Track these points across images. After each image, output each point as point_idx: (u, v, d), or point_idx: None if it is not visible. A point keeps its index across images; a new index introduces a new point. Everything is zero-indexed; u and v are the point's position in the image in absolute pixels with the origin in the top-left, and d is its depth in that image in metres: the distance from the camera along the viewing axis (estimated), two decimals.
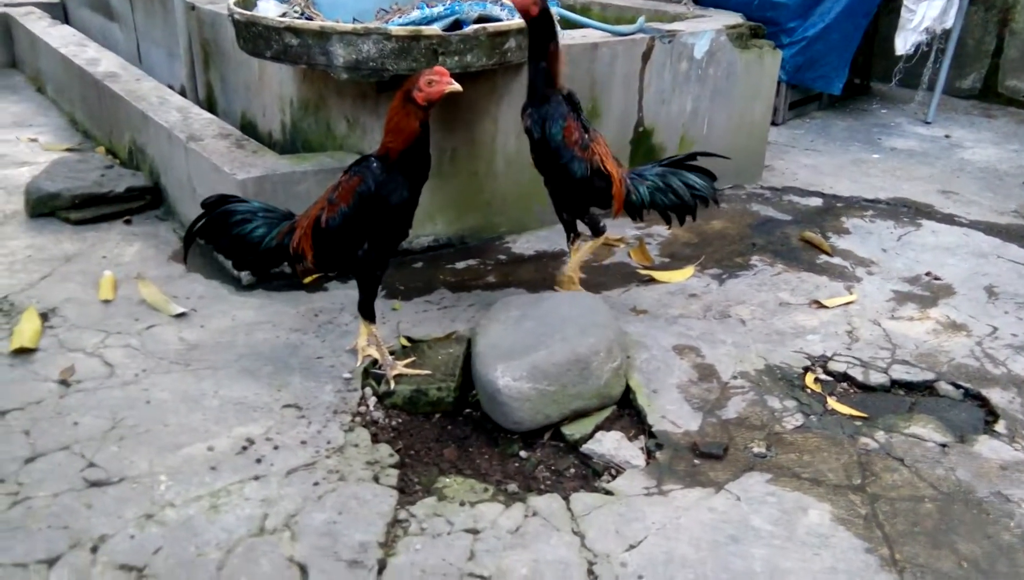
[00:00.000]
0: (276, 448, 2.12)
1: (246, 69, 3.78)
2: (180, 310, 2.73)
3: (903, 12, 5.21)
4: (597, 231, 2.87)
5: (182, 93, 4.28)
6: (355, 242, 2.29)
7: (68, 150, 4.24)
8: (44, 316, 2.68)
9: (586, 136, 2.63)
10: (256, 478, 2.00)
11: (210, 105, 4.27)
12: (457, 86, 2.12)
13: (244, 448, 2.11)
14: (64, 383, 2.34)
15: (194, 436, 2.14)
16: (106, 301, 2.80)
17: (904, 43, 5.29)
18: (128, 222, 3.43)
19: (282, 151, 3.46)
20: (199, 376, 2.40)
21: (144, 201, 3.54)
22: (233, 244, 2.37)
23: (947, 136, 5.31)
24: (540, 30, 2.54)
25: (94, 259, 3.10)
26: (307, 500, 1.94)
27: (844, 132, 5.31)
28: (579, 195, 2.71)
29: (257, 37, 2.73)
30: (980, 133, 5.37)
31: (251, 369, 2.45)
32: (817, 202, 4.10)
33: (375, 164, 2.23)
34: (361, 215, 2.24)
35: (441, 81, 2.11)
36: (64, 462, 2.03)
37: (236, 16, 2.78)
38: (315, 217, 2.27)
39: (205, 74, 4.29)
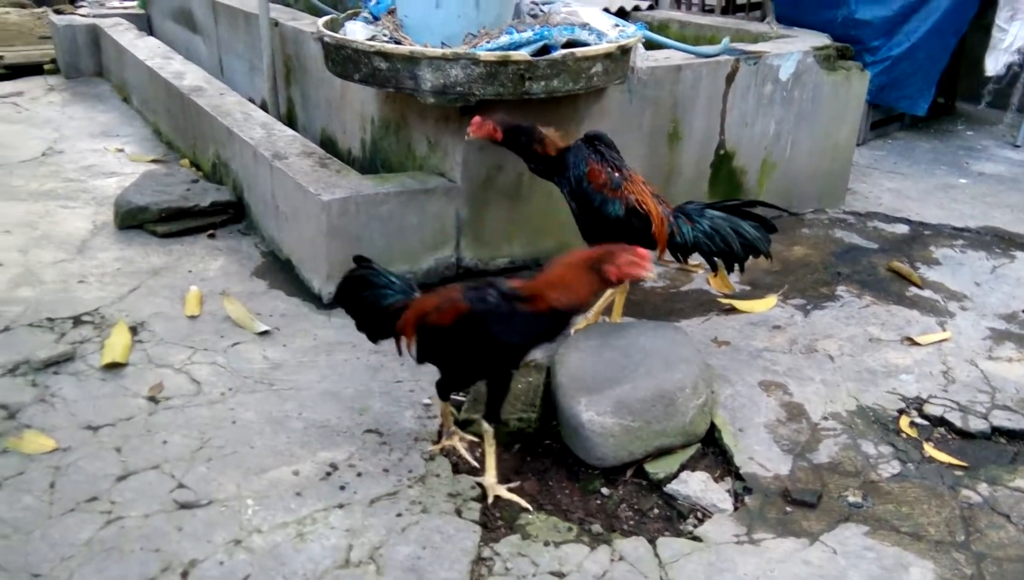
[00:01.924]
0: (359, 475, 2.12)
1: (328, 86, 3.82)
2: (264, 328, 2.76)
3: (994, 32, 5.01)
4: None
5: (263, 107, 4.36)
6: (453, 356, 2.11)
7: (153, 161, 4.36)
8: (133, 330, 2.74)
9: (616, 175, 2.49)
10: (340, 506, 2.00)
11: (290, 120, 4.34)
12: (653, 274, 1.94)
13: (328, 474, 2.12)
14: (153, 400, 2.39)
15: (279, 459, 2.16)
16: (192, 316, 2.85)
17: (995, 64, 5.09)
18: (212, 236, 3.50)
19: (361, 169, 3.49)
20: (283, 397, 2.42)
21: (227, 215, 3.60)
22: (362, 308, 2.24)
23: None
24: (515, 145, 2.53)
25: (180, 273, 3.16)
26: (391, 532, 1.93)
27: (928, 154, 5.13)
28: (618, 237, 2.46)
29: (346, 60, 2.75)
30: None
31: (333, 391, 2.46)
32: (903, 229, 3.96)
33: (496, 297, 1.96)
34: (459, 337, 2.02)
35: (642, 266, 1.87)
36: (155, 481, 2.06)
37: (326, 39, 2.81)
38: (423, 311, 2.08)
39: (286, 89, 4.36)
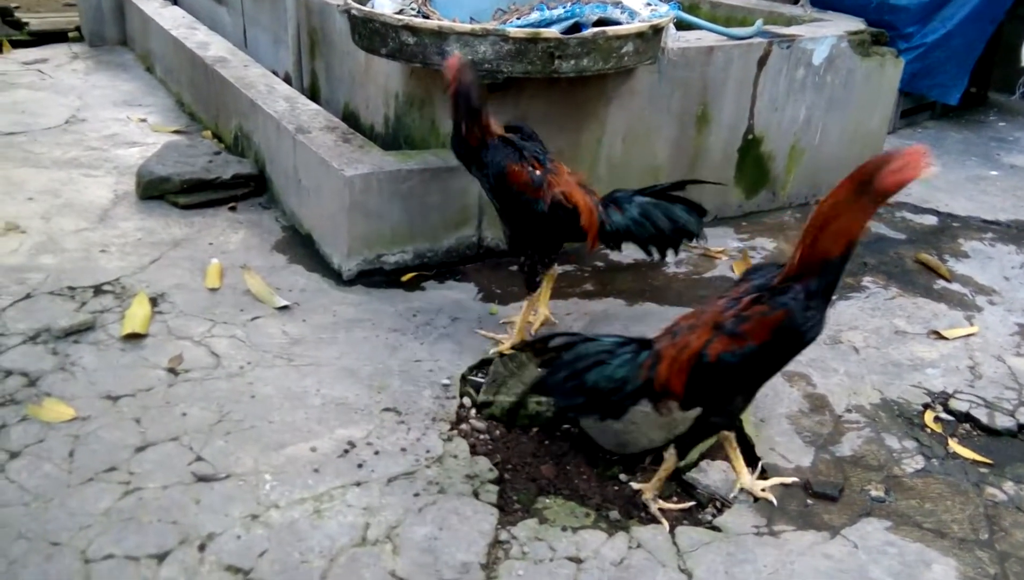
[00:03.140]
0: (377, 453, 2.11)
1: (352, 60, 3.78)
2: (284, 303, 2.75)
3: None
4: (532, 285, 2.55)
5: (286, 80, 4.33)
6: (745, 381, 1.88)
7: (175, 132, 4.34)
8: (153, 301, 2.74)
9: (538, 173, 2.36)
10: (358, 484, 2.00)
11: (313, 93, 4.30)
12: (934, 169, 1.59)
13: (346, 451, 2.11)
14: (173, 372, 2.39)
15: (297, 435, 2.15)
16: (213, 289, 2.84)
17: None
18: (233, 209, 3.49)
19: (384, 144, 3.46)
20: (302, 372, 2.42)
21: (249, 188, 3.59)
22: (591, 396, 1.86)
23: None
24: (453, 108, 2.39)
25: (201, 245, 3.16)
26: (408, 512, 1.92)
27: (959, 145, 5.03)
28: (544, 230, 2.43)
29: (373, 34, 2.72)
30: None
31: (352, 368, 2.45)
32: (932, 220, 3.89)
33: (800, 292, 1.72)
34: (769, 353, 1.79)
35: (919, 163, 1.57)
36: (173, 453, 2.06)
37: (354, 11, 2.77)
38: (697, 350, 1.81)
39: (310, 62, 4.33)
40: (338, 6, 3.51)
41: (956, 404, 2.46)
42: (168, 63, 5.13)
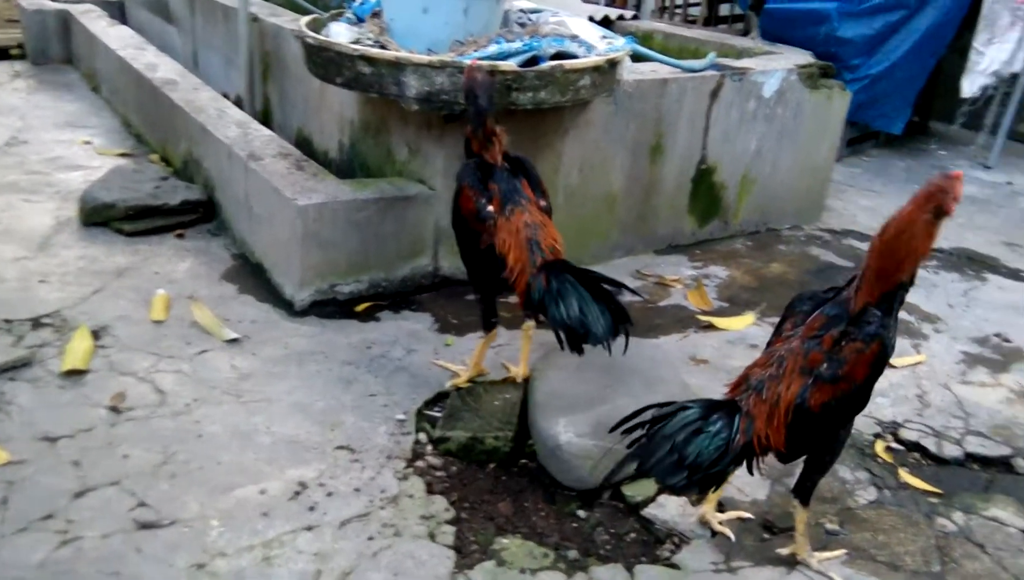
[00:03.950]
0: (329, 495, 2.05)
1: (306, 85, 3.74)
2: (233, 335, 2.68)
3: (972, 55, 5.07)
4: (487, 324, 2.48)
5: (238, 103, 4.26)
6: (848, 418, 1.84)
7: (122, 155, 4.23)
8: (95, 334, 2.64)
9: (489, 209, 2.26)
10: (309, 528, 1.94)
11: (266, 117, 4.24)
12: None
13: (297, 493, 2.05)
14: (115, 410, 2.30)
15: (246, 477, 2.09)
16: (158, 321, 2.76)
17: (971, 86, 5.15)
18: (181, 236, 3.40)
19: (338, 172, 3.41)
20: (251, 410, 2.35)
21: (197, 215, 3.50)
22: (693, 470, 1.72)
23: (1009, 183, 5.15)
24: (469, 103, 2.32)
25: (146, 274, 3.06)
26: (362, 557, 1.87)
27: (903, 173, 5.17)
28: (483, 268, 2.35)
29: (329, 63, 2.68)
30: None
31: (304, 404, 2.39)
32: None
33: (881, 317, 1.73)
34: (868, 386, 1.77)
35: (961, 185, 1.66)
36: (114, 499, 1.98)
37: (308, 40, 2.73)
38: (792, 402, 1.74)
39: (263, 86, 4.27)
40: (293, 31, 3.47)
41: (905, 434, 2.50)
42: (114, 83, 5.00)
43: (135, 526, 1.90)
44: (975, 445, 2.47)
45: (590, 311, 2.17)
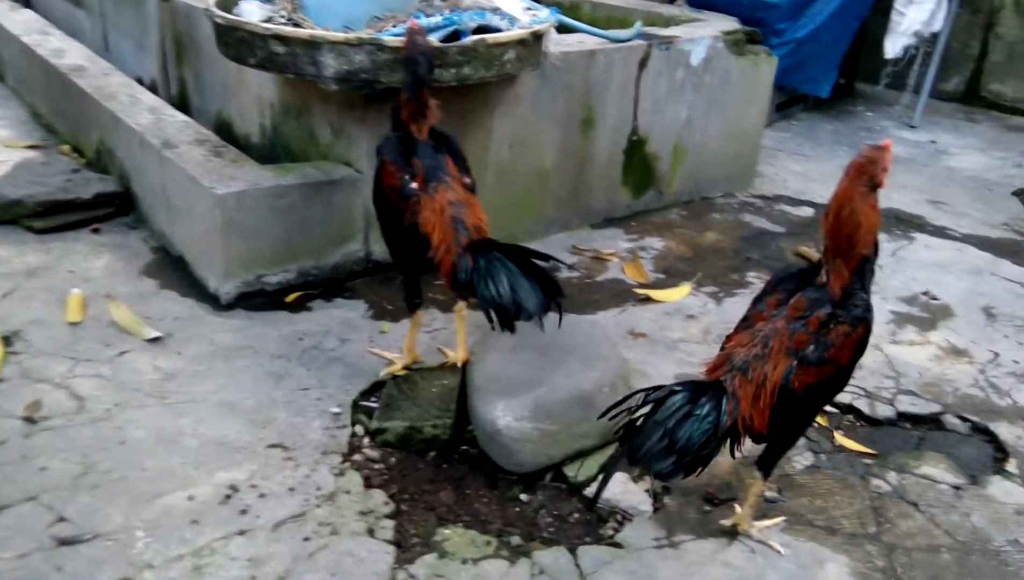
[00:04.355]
0: (262, 496, 1.98)
1: (222, 67, 3.58)
2: (155, 334, 2.56)
3: (893, 16, 5.15)
4: (411, 305, 2.41)
5: (152, 88, 4.07)
6: (831, 397, 1.87)
7: (30, 148, 4.00)
8: (7, 340, 2.50)
9: (412, 185, 2.18)
10: (241, 533, 1.87)
11: (182, 102, 4.06)
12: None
13: (227, 497, 1.97)
14: (30, 420, 2.18)
15: (173, 483, 2.00)
16: (74, 323, 2.62)
17: (893, 47, 5.23)
18: (96, 231, 3.24)
19: (260, 156, 3.29)
20: (177, 411, 2.25)
21: (113, 207, 3.34)
22: (681, 454, 1.67)
23: (933, 141, 5.27)
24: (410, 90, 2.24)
25: (60, 274, 2.91)
26: (298, 559, 1.81)
27: (831, 136, 5.25)
28: (407, 246, 2.26)
29: (240, 43, 2.56)
30: (965, 139, 5.35)
31: (232, 403, 2.31)
32: (809, 212, 4.03)
33: (864, 298, 1.76)
34: (851, 369, 1.80)
35: (890, 154, 1.73)
36: (31, 515, 1.87)
37: (218, 20, 2.60)
38: (778, 383, 1.73)
39: (178, 69, 4.08)
40: (205, 10, 3.31)
41: (839, 396, 2.53)
42: (20, 72, 4.73)
43: (54, 543, 1.80)
44: (906, 404, 2.52)
45: (520, 286, 2.10)
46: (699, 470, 1.71)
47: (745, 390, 1.73)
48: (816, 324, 1.75)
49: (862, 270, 1.78)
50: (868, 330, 1.77)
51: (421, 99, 2.23)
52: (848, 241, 1.74)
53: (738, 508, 2.01)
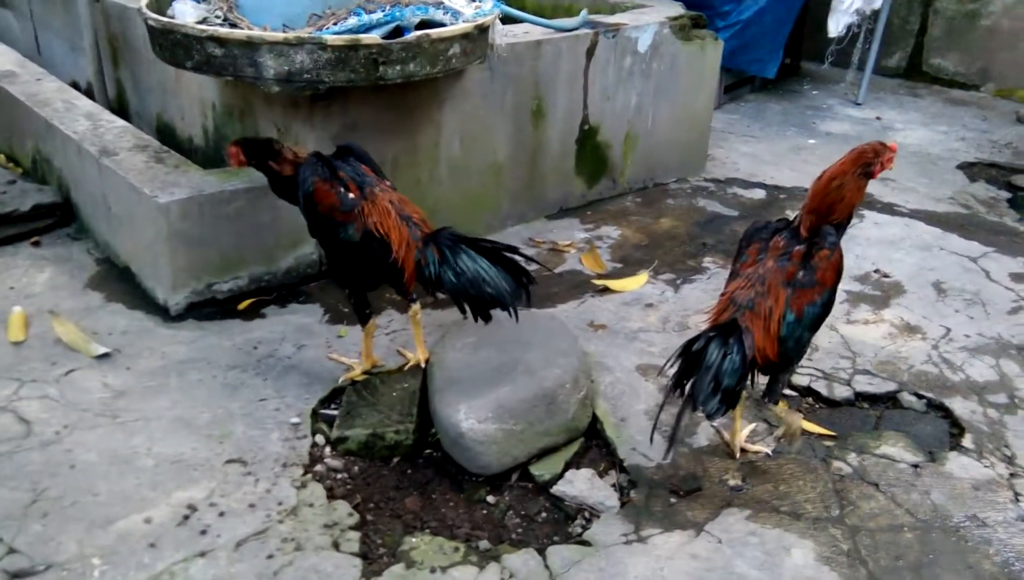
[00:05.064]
0: (222, 514, 1.93)
1: (160, 68, 3.46)
2: (103, 350, 2.48)
3: None
4: (363, 318, 2.37)
5: (88, 92, 3.93)
6: (819, 324, 2.03)
7: None
8: None
9: (350, 196, 2.16)
10: (202, 554, 1.82)
11: (121, 105, 3.93)
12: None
13: (186, 517, 1.92)
14: None
15: (128, 506, 1.94)
16: (17, 342, 2.52)
17: (836, 25, 5.30)
18: (36, 244, 3.12)
19: (205, 159, 3.20)
20: (129, 430, 2.18)
21: (54, 218, 3.22)
22: (724, 394, 1.83)
23: (878, 117, 5.36)
24: (258, 164, 2.29)
25: (1, 291, 2.80)
26: (261, 578, 1.77)
27: (779, 116, 5.30)
28: (358, 263, 2.22)
29: (175, 46, 2.47)
30: (908, 114, 5.44)
31: (187, 418, 2.24)
32: (760, 194, 4.06)
33: (834, 233, 2.01)
34: (834, 291, 2.02)
35: (893, 156, 2.03)
36: None
37: (151, 22, 2.51)
38: (782, 312, 1.93)
39: (114, 71, 3.95)
40: (138, 11, 3.20)
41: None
42: None
43: (6, 577, 1.73)
44: (863, 384, 2.56)
45: (489, 273, 2.11)
46: (732, 407, 1.89)
47: (756, 324, 1.92)
48: (799, 255, 1.98)
49: (837, 230, 2.04)
50: (842, 255, 2.00)
51: (285, 157, 2.27)
52: (828, 208, 2.01)
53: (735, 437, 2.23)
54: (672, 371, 1.87)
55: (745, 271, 2.03)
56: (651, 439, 2.10)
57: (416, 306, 2.43)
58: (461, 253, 2.14)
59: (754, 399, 2.38)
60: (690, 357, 1.85)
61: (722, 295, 2.06)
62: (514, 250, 2.19)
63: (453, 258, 2.13)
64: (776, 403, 2.14)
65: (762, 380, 2.10)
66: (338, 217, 2.17)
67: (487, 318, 2.18)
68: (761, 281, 1.97)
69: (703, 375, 1.81)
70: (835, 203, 2.00)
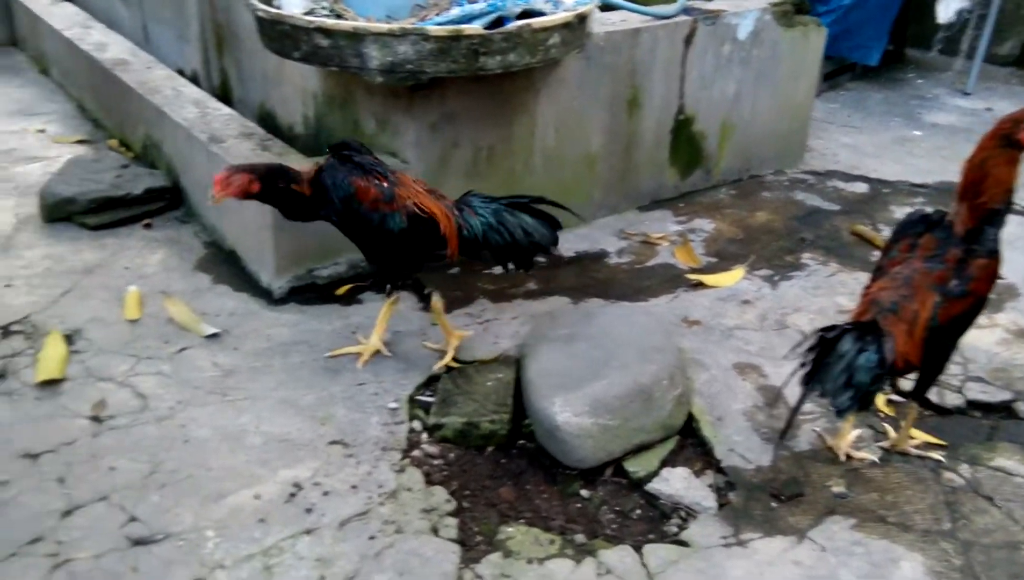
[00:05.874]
0: (326, 494, 1.99)
1: (263, 57, 3.56)
2: (212, 330, 2.58)
3: None
4: (424, 298, 2.52)
5: (194, 79, 4.08)
6: (966, 329, 1.98)
7: (79, 142, 4.05)
8: (69, 339, 2.54)
9: (386, 186, 2.22)
10: (308, 532, 1.88)
11: (224, 93, 4.06)
12: None
13: (292, 495, 1.99)
14: (96, 419, 2.21)
15: (239, 481, 2.02)
16: (132, 320, 2.65)
17: (946, 11, 5.06)
18: (148, 226, 3.27)
19: (304, 146, 3.28)
20: (238, 408, 2.27)
21: (164, 202, 3.36)
22: (857, 391, 1.79)
23: (989, 109, 5.08)
24: (273, 193, 2.24)
25: (116, 270, 2.94)
26: (364, 559, 1.82)
27: (881, 105, 5.09)
28: (406, 249, 2.30)
29: (283, 36, 2.54)
30: (1021, 105, 5.13)
31: (291, 399, 2.32)
32: (863, 188, 3.92)
33: (995, 233, 1.90)
34: (987, 298, 1.96)
35: None
36: (104, 515, 1.90)
37: (260, 13, 2.58)
38: (927, 320, 1.86)
39: (219, 60, 4.08)
40: (246, 3, 3.30)
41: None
42: (65, 66, 4.78)
43: (128, 543, 1.83)
44: (976, 391, 2.45)
45: (531, 224, 2.37)
46: (867, 407, 1.84)
47: (898, 328, 1.84)
48: (954, 260, 1.87)
49: (991, 221, 1.88)
50: (1000, 261, 1.89)
51: (301, 176, 2.26)
52: (973, 188, 1.87)
53: (892, 433, 2.21)
54: (803, 359, 1.82)
55: (892, 270, 1.94)
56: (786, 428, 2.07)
57: (394, 296, 2.47)
58: (502, 212, 2.35)
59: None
60: (822, 344, 1.78)
61: (864, 294, 1.99)
62: (540, 200, 2.42)
63: (496, 219, 2.34)
64: (920, 404, 2.09)
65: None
66: (384, 208, 2.22)
67: (529, 266, 2.44)
68: (907, 282, 1.88)
69: (834, 365, 1.75)
70: (980, 181, 1.85)
